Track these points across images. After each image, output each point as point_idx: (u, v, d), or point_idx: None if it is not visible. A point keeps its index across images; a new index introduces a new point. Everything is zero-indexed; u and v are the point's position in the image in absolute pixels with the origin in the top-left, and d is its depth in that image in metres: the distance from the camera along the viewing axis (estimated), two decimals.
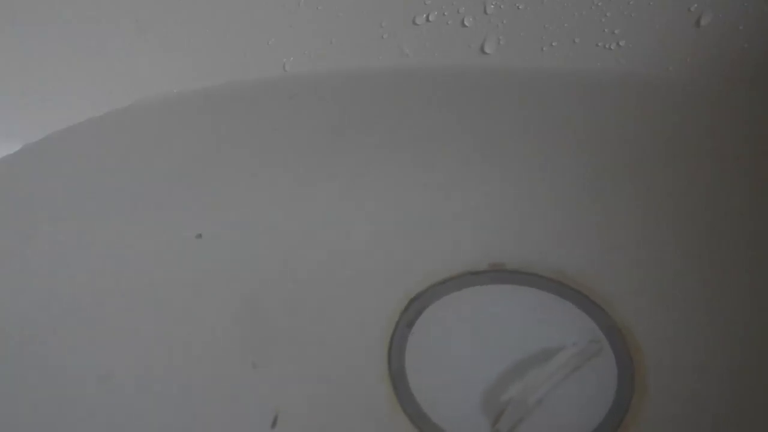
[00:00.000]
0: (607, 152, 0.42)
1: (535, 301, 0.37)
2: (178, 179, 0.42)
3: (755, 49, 0.42)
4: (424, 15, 0.44)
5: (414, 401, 0.34)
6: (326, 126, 0.44)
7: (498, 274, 0.38)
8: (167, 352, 0.36)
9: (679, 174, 0.42)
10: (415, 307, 0.37)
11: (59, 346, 0.36)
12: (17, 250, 0.39)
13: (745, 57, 0.43)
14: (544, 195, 0.41)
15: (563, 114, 0.44)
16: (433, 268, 0.38)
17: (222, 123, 0.45)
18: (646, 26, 0.43)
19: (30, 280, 0.38)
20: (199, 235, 0.40)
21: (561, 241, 0.39)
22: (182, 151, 0.44)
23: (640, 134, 0.43)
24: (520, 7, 0.44)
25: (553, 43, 0.44)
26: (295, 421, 0.34)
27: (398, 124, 0.44)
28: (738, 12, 0.42)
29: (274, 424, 0.33)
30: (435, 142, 0.43)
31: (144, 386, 0.35)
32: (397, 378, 0.35)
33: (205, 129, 0.45)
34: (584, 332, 0.36)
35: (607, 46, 0.44)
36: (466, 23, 0.44)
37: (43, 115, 0.43)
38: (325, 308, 0.37)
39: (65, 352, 0.36)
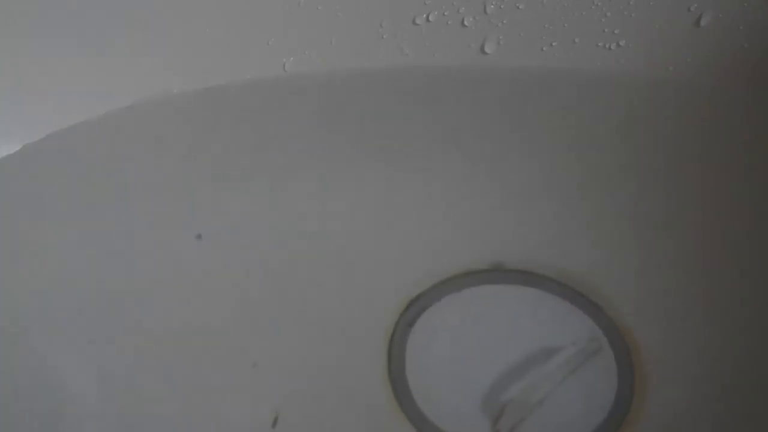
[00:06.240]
0: (607, 152, 0.42)
1: (535, 301, 0.37)
2: (178, 179, 0.42)
3: (755, 49, 0.42)
4: (424, 15, 0.44)
5: (414, 401, 0.34)
6: (326, 126, 0.44)
7: (498, 274, 0.38)
8: (167, 352, 0.36)
9: (679, 174, 0.42)
10: (415, 308, 0.37)
11: (59, 345, 0.36)
12: (17, 250, 0.39)
13: (745, 57, 0.42)
14: (544, 195, 0.41)
15: (563, 114, 0.44)
16: (434, 268, 0.38)
17: (222, 123, 0.45)
18: (646, 26, 0.43)
19: (30, 280, 0.38)
20: (199, 235, 0.40)
21: (561, 241, 0.39)
22: (182, 151, 0.44)
23: (639, 134, 0.43)
24: (520, 7, 0.43)
25: (553, 43, 0.44)
26: (295, 421, 0.34)
27: (398, 124, 0.44)
28: (738, 12, 0.41)
29: (274, 424, 0.33)
30: (435, 142, 0.43)
31: (144, 386, 0.35)
32: (398, 378, 0.35)
33: (205, 129, 0.45)
34: (584, 332, 0.36)
35: (607, 46, 0.44)
36: (466, 23, 0.44)
37: (42, 115, 0.43)
38: (326, 309, 0.37)
39: (65, 351, 0.36)
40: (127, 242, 0.40)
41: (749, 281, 0.37)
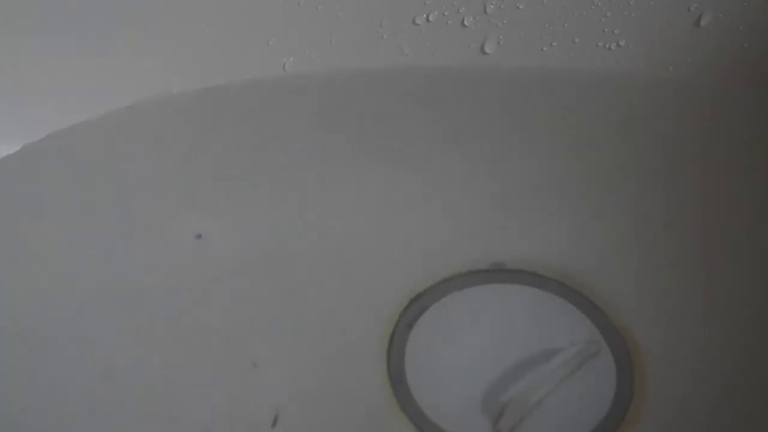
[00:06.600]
0: (607, 152, 0.42)
1: (535, 301, 0.37)
2: (178, 179, 0.42)
3: (755, 49, 0.42)
4: (424, 15, 0.44)
5: (414, 401, 0.34)
6: (326, 126, 0.44)
7: (498, 273, 0.38)
8: (167, 352, 0.36)
9: (679, 174, 0.42)
10: (415, 307, 0.37)
11: (59, 345, 0.36)
12: (17, 250, 0.39)
13: (745, 57, 0.43)
14: (545, 194, 0.41)
15: (563, 114, 0.44)
16: (434, 268, 0.38)
17: (222, 123, 0.45)
18: (646, 26, 0.43)
19: (29, 281, 0.38)
20: (199, 235, 0.40)
21: (561, 242, 0.39)
22: (182, 151, 0.44)
23: (639, 134, 0.43)
24: (520, 7, 0.44)
25: (553, 43, 0.44)
26: (295, 421, 0.34)
27: (398, 124, 0.44)
28: (738, 12, 0.42)
29: (274, 424, 0.33)
30: (435, 142, 0.43)
31: (144, 386, 0.35)
32: (397, 378, 0.35)
33: (205, 129, 0.45)
34: (583, 333, 0.36)
35: (607, 46, 0.44)
36: (466, 23, 0.44)
37: (42, 115, 0.43)
38: (325, 308, 0.37)
39: (65, 351, 0.36)
40: (127, 242, 0.40)
41: (749, 281, 0.37)
